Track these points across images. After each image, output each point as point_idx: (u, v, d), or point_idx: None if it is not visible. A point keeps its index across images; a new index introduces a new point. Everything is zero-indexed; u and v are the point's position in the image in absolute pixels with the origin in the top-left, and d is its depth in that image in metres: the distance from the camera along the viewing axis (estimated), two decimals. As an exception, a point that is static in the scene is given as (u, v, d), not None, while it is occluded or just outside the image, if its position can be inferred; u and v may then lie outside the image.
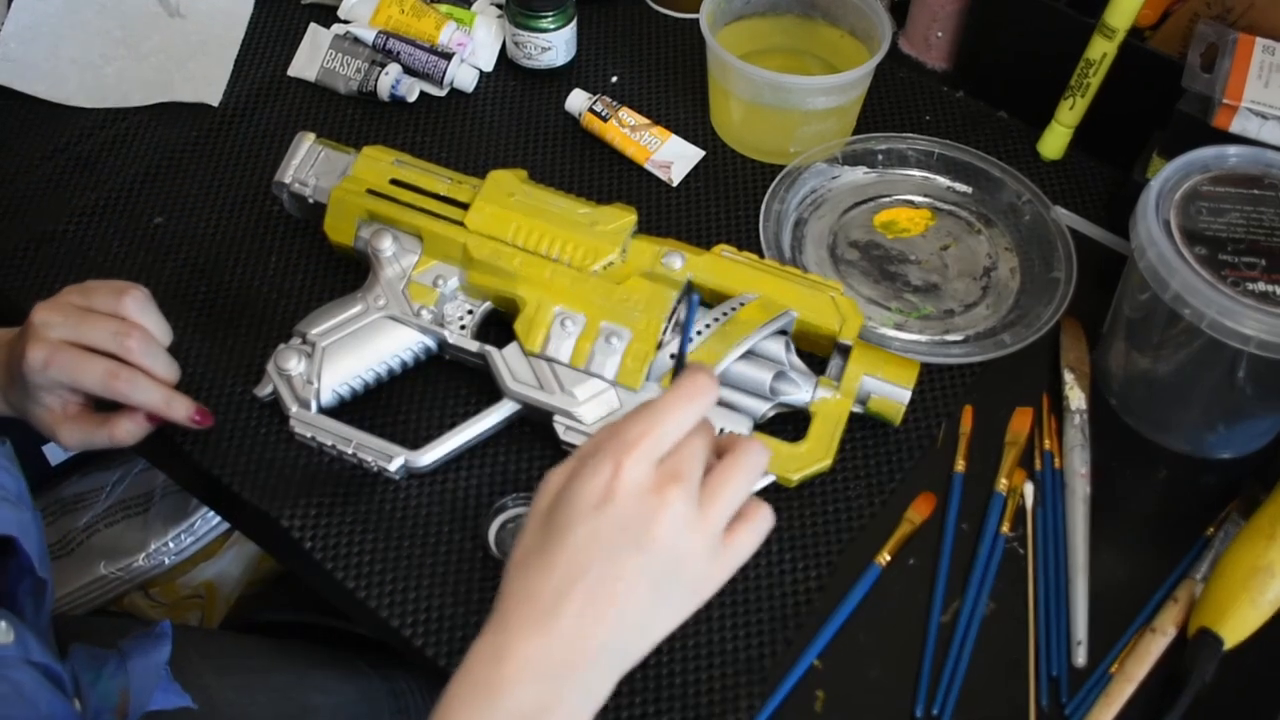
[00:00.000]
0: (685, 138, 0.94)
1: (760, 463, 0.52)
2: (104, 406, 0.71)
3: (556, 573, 0.48)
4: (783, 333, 0.76)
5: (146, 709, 0.70)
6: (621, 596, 0.48)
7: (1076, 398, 0.78)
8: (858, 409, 0.75)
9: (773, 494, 0.74)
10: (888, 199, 0.90)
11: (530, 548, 0.50)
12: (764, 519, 0.52)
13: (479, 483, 0.74)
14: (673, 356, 0.73)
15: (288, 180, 0.81)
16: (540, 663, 0.47)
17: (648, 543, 0.48)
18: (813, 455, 0.72)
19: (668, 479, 0.49)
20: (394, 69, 0.95)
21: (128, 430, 0.69)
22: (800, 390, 0.73)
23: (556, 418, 0.73)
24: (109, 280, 0.71)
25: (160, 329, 0.70)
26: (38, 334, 0.66)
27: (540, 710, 0.47)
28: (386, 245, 0.77)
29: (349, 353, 0.74)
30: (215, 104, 0.97)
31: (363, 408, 0.77)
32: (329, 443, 0.72)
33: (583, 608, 0.47)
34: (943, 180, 0.91)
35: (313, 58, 0.98)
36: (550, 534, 0.49)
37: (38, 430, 0.70)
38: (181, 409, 0.69)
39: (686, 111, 0.97)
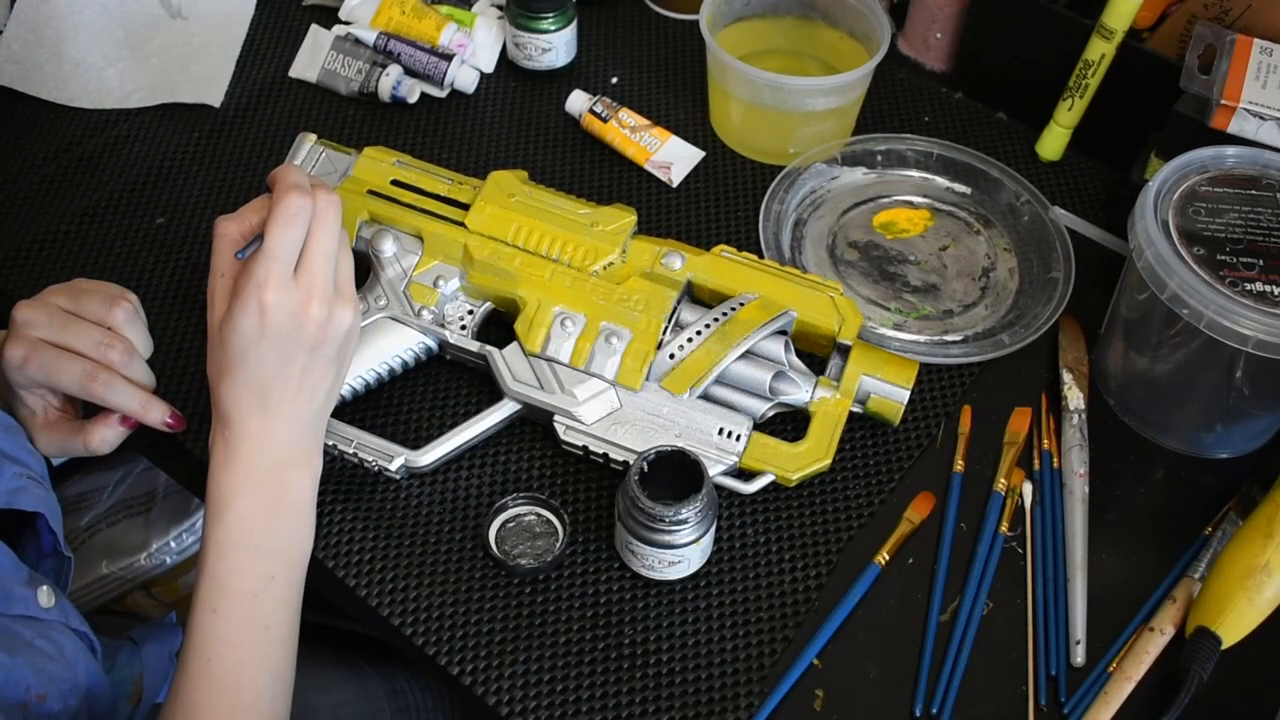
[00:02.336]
0: (685, 138, 0.94)
1: (330, 217, 0.64)
2: (87, 414, 0.71)
3: (249, 384, 0.62)
4: (782, 333, 0.76)
5: (159, 697, 0.71)
6: (309, 383, 0.64)
7: (1075, 398, 0.78)
8: (857, 409, 0.75)
9: (772, 494, 0.74)
10: (887, 199, 0.91)
11: (222, 366, 0.63)
12: (347, 245, 0.66)
13: (479, 483, 0.75)
14: (671, 356, 0.73)
15: (289, 181, 0.81)
16: (265, 435, 0.63)
17: (312, 341, 0.63)
18: (812, 455, 0.72)
19: (306, 298, 0.62)
20: (395, 70, 0.95)
21: (103, 437, 0.68)
22: (799, 390, 0.74)
23: (557, 418, 0.73)
24: (99, 283, 0.70)
25: (144, 342, 0.69)
26: (18, 332, 0.66)
27: (277, 463, 0.63)
28: (387, 246, 0.77)
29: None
30: (217, 105, 0.97)
31: (363, 408, 0.77)
32: (330, 442, 0.72)
33: (283, 399, 0.63)
34: (942, 181, 0.92)
35: (314, 59, 0.98)
36: (231, 356, 0.62)
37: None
38: (157, 413, 0.69)
39: (686, 112, 0.98)
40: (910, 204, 0.90)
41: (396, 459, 0.72)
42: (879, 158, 0.92)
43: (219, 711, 0.60)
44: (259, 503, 0.63)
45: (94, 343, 0.66)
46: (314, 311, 0.62)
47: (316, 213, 0.63)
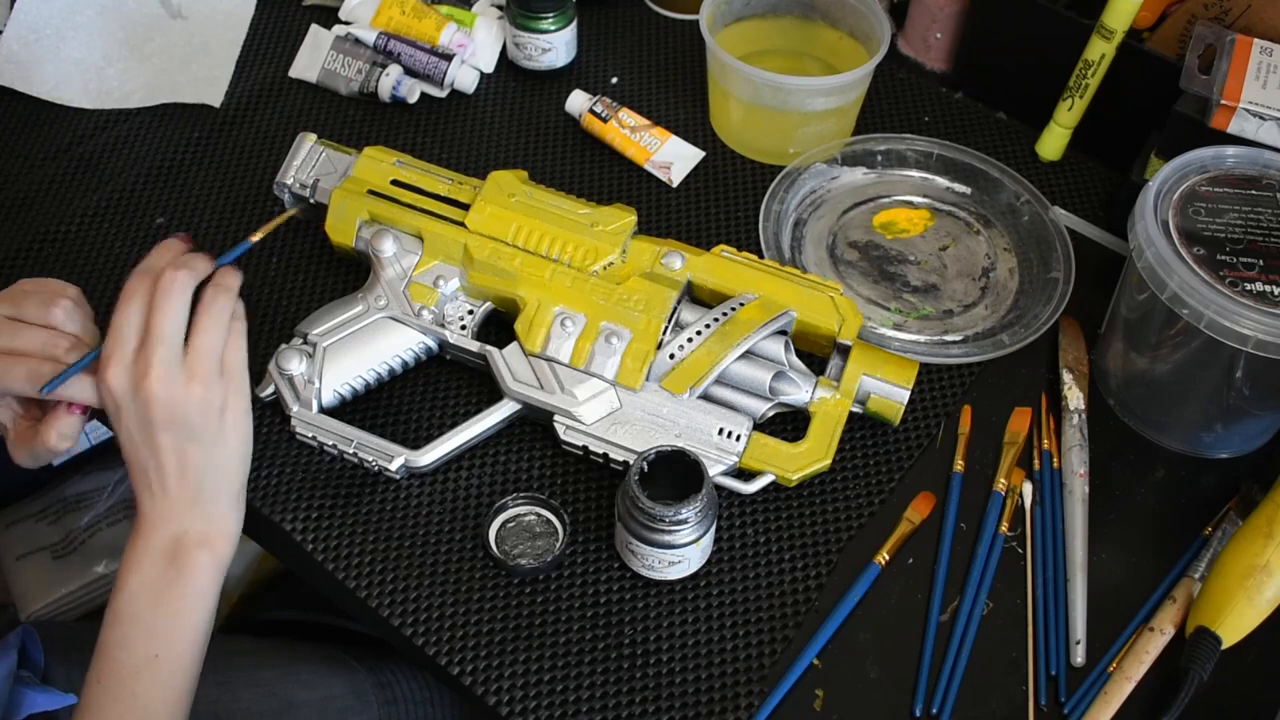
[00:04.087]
0: (685, 138, 0.94)
1: (220, 304, 0.65)
2: None
3: (133, 466, 0.65)
4: (782, 333, 0.76)
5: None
6: (185, 464, 0.64)
7: (1075, 398, 0.78)
8: (857, 409, 0.75)
9: (772, 494, 0.74)
10: (887, 199, 0.91)
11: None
12: (219, 316, 0.65)
13: (479, 483, 0.75)
14: (671, 356, 0.73)
15: (289, 181, 0.81)
16: (158, 515, 0.64)
17: (162, 420, 0.63)
18: (812, 455, 0.72)
19: (141, 375, 0.62)
20: (395, 70, 0.95)
21: (60, 432, 0.66)
22: (799, 390, 0.74)
23: (557, 418, 0.73)
24: (40, 282, 0.69)
25: (89, 334, 0.68)
26: None
27: (174, 541, 0.64)
28: (387, 246, 0.77)
29: (350, 353, 0.75)
30: (217, 105, 0.97)
31: (363, 408, 0.77)
32: (330, 442, 0.72)
33: (165, 480, 0.64)
34: (942, 181, 0.92)
35: (314, 59, 0.98)
36: (118, 439, 0.65)
37: None
38: None
39: (686, 112, 0.98)
40: (910, 204, 0.90)
41: (396, 459, 0.72)
42: (879, 158, 0.92)
43: None
44: (149, 580, 0.63)
45: (40, 344, 0.66)
46: (150, 387, 0.62)
47: (158, 290, 0.63)
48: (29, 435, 0.68)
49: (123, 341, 0.63)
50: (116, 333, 0.63)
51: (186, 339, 0.64)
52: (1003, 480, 0.75)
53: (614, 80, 1.00)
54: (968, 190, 0.91)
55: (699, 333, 0.74)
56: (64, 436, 0.67)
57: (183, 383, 0.63)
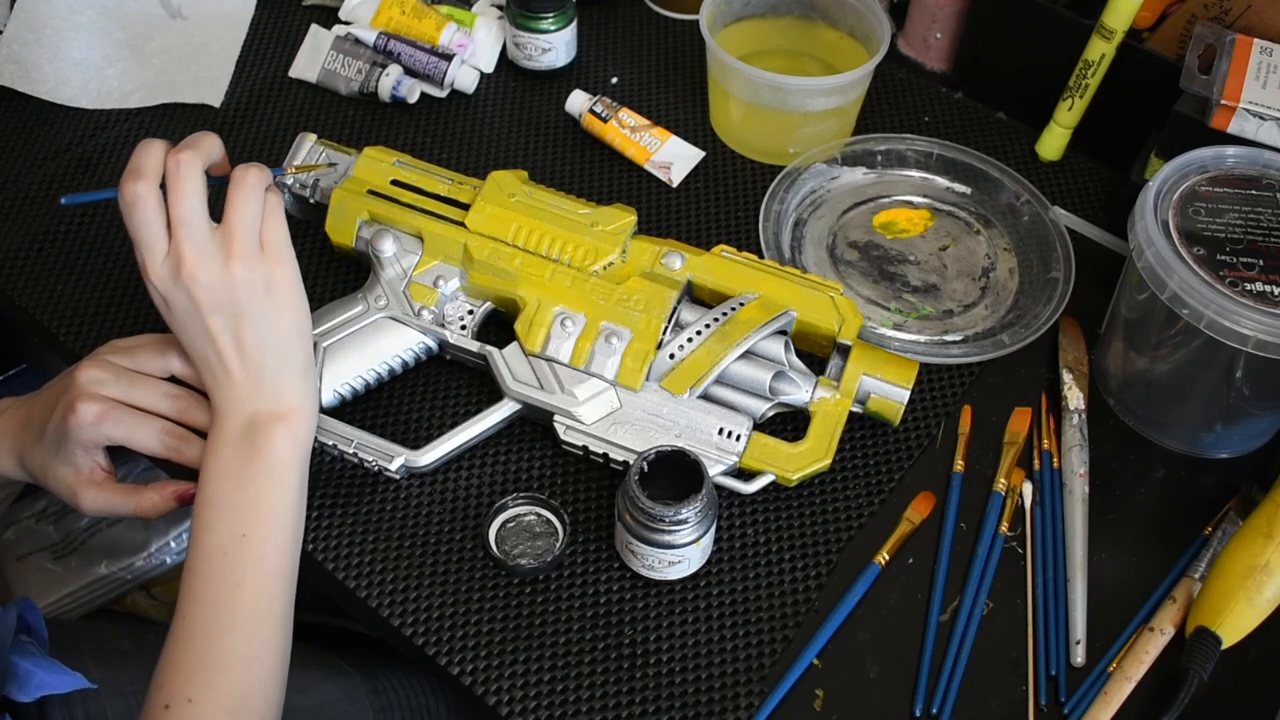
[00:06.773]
0: (685, 138, 0.94)
1: (252, 179, 0.64)
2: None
3: (195, 360, 0.66)
4: (782, 333, 0.76)
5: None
6: (241, 346, 0.64)
7: (1075, 398, 0.78)
8: (857, 409, 0.75)
9: (772, 494, 0.74)
10: (887, 199, 0.91)
11: None
12: (251, 192, 0.64)
13: (479, 483, 0.75)
14: (671, 356, 0.73)
15: (289, 181, 0.81)
16: (227, 402, 0.65)
17: (208, 304, 0.63)
18: (812, 455, 0.72)
19: (177, 264, 0.62)
20: (395, 70, 0.95)
21: (154, 503, 0.68)
22: (799, 390, 0.74)
23: (557, 418, 0.73)
24: (149, 336, 0.70)
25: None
26: (86, 390, 0.66)
27: (248, 423, 0.64)
28: (387, 246, 0.77)
29: (350, 353, 0.75)
30: (217, 105, 0.97)
31: (363, 408, 0.77)
32: (330, 442, 0.72)
33: (226, 363, 0.65)
34: (942, 181, 0.92)
35: (314, 59, 0.98)
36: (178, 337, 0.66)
37: (55, 494, 0.69)
38: None
39: (686, 112, 0.98)
40: (910, 204, 0.90)
41: (396, 459, 0.72)
42: (879, 158, 0.92)
43: (186, 667, 0.60)
44: (228, 463, 0.64)
45: (162, 396, 0.67)
46: (189, 272, 0.62)
47: (168, 175, 0.62)
48: (109, 486, 0.68)
49: (152, 240, 0.62)
50: (144, 233, 0.62)
51: (220, 220, 0.64)
52: (1003, 480, 0.75)
53: (614, 80, 1.00)
54: (968, 190, 0.91)
55: (699, 333, 0.74)
56: (156, 508, 0.68)
57: (221, 262, 0.63)
